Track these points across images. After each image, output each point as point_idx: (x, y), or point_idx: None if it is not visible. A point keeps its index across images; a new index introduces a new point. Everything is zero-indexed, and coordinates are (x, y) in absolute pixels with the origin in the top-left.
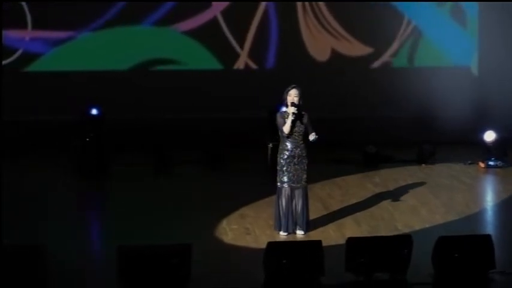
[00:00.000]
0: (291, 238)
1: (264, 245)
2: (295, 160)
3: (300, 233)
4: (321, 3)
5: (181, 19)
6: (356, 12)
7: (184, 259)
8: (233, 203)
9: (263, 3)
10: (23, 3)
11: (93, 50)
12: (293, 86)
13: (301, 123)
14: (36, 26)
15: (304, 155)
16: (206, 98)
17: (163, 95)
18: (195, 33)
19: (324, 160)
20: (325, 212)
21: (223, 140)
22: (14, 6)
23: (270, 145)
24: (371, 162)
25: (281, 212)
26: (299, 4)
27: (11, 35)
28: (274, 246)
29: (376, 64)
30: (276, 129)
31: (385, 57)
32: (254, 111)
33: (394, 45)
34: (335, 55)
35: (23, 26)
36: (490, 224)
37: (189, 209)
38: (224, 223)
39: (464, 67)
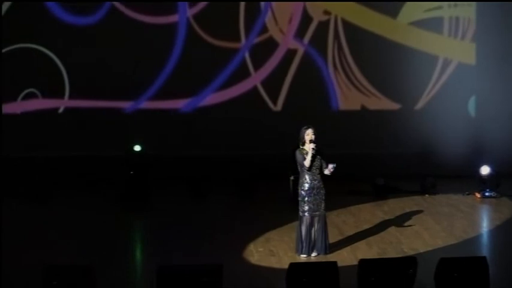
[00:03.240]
0: (310, 259)
1: (286, 266)
2: (314, 191)
3: (313, 255)
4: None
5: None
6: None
7: (216, 278)
8: (259, 228)
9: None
10: None
11: None
12: (308, 126)
13: (317, 158)
14: None
15: (321, 186)
16: (238, 137)
17: (199, 135)
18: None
19: (339, 191)
20: (340, 237)
21: (252, 173)
22: None
23: (292, 178)
24: (380, 193)
25: (302, 237)
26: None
27: None
28: (295, 267)
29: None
30: (296, 164)
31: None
32: (279, 149)
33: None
34: (363, 109)
35: None
36: (485, 247)
37: (220, 233)
38: (251, 246)
39: (462, 109)
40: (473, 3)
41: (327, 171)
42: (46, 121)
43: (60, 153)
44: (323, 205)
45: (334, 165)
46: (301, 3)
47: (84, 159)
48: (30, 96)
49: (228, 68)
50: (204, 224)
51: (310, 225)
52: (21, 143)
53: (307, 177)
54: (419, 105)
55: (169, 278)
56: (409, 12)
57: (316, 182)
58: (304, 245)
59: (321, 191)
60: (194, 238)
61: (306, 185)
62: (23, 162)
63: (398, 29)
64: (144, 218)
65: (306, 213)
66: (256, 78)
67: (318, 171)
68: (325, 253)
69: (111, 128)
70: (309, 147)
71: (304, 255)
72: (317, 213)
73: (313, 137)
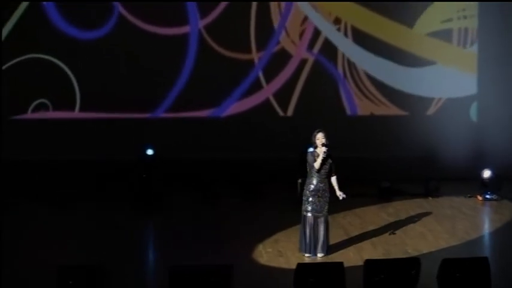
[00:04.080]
0: (316, 260)
1: (294, 266)
2: (319, 193)
3: (320, 255)
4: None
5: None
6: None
7: (226, 278)
8: (268, 229)
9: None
10: None
11: None
12: (319, 130)
13: (327, 162)
14: None
15: (326, 189)
16: (245, 140)
17: (206, 139)
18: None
19: (346, 193)
20: (346, 238)
21: (261, 176)
22: None
23: (300, 181)
24: (385, 196)
25: (306, 236)
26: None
27: None
28: (302, 267)
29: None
30: (304, 167)
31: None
32: (288, 153)
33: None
34: (370, 115)
35: None
36: (486, 248)
37: (230, 235)
38: (260, 247)
39: (465, 114)
40: (476, 14)
41: (338, 195)
42: (61, 126)
43: (76, 157)
44: (326, 207)
45: (344, 196)
46: (313, 12)
47: (99, 163)
48: (41, 106)
49: (242, 80)
50: (214, 226)
51: (313, 225)
52: (37, 147)
53: (314, 179)
54: (430, 111)
55: (181, 278)
56: (427, 22)
57: (322, 185)
58: (307, 244)
59: (326, 194)
60: (205, 239)
61: (312, 186)
62: (40, 166)
63: (408, 36)
64: (156, 220)
65: (309, 213)
66: (268, 90)
67: (325, 175)
68: (326, 254)
69: (125, 133)
70: (320, 150)
71: (308, 254)
72: (320, 214)
73: (323, 140)
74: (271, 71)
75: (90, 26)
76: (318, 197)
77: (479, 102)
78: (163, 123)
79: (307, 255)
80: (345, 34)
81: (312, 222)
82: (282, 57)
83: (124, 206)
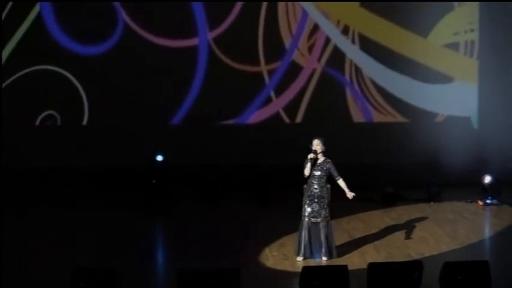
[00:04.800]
0: (321, 263)
1: (299, 269)
2: (316, 199)
3: (324, 259)
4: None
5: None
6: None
7: (233, 280)
8: (274, 233)
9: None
10: None
11: None
12: (315, 137)
13: (322, 168)
14: None
15: (324, 195)
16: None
17: (218, 146)
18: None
19: (350, 199)
20: (350, 242)
21: (267, 182)
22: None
23: (304, 186)
24: (388, 201)
25: (300, 240)
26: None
27: None
28: (308, 270)
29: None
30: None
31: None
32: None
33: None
34: (373, 123)
35: None
36: (487, 252)
37: (238, 238)
38: (267, 250)
39: (466, 121)
40: (477, 24)
41: (349, 195)
42: (71, 134)
43: (88, 163)
44: (324, 213)
45: (353, 194)
46: (322, 19)
47: (111, 168)
48: (48, 118)
49: (252, 92)
50: (222, 230)
51: (310, 229)
52: (52, 154)
53: (311, 184)
54: (432, 119)
55: (190, 280)
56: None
57: (316, 191)
58: (301, 247)
59: (322, 200)
60: (213, 242)
61: (308, 192)
62: (56, 172)
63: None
64: (166, 223)
65: (306, 218)
66: (278, 104)
67: (322, 180)
68: (330, 258)
69: (135, 139)
70: (308, 156)
71: (300, 258)
72: (318, 219)
73: (317, 147)
74: (281, 83)
75: (98, 39)
76: (315, 202)
77: (480, 110)
78: (173, 132)
79: (298, 258)
80: (353, 41)
81: (308, 226)
82: (293, 68)
83: (135, 210)
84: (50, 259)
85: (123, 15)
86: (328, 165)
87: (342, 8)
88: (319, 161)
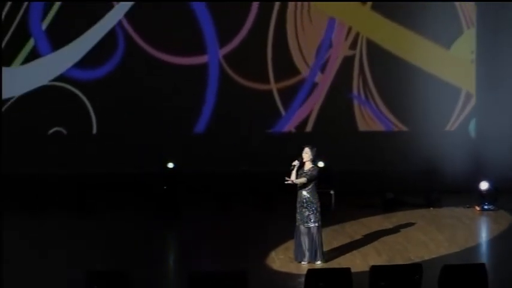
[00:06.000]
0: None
1: (304, 272)
2: (305, 204)
3: (318, 263)
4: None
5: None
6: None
7: (241, 282)
8: (280, 237)
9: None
10: None
11: None
12: (306, 145)
13: (307, 175)
14: None
15: (312, 200)
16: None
17: (224, 153)
18: None
19: (353, 205)
20: (353, 245)
21: (273, 188)
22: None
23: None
24: (389, 206)
25: (295, 244)
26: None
27: None
28: (313, 273)
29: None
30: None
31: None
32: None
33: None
34: (376, 132)
35: None
36: (484, 255)
37: (245, 242)
38: (273, 254)
39: (464, 131)
40: (474, 34)
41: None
42: (83, 142)
43: (101, 170)
44: (313, 218)
45: (289, 181)
46: (326, 34)
47: (123, 175)
48: (56, 134)
49: (261, 109)
50: (230, 234)
51: (301, 234)
52: (66, 161)
53: (300, 191)
54: (449, 127)
55: (200, 283)
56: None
57: (307, 197)
58: (296, 251)
59: (311, 205)
60: (221, 246)
61: (298, 198)
62: (71, 178)
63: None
64: (177, 228)
65: (297, 223)
66: (289, 121)
67: (310, 186)
68: (315, 262)
69: (147, 147)
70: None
71: (299, 261)
72: (309, 224)
73: (304, 155)
74: (292, 99)
75: (102, 62)
76: (304, 208)
77: (477, 119)
78: (185, 141)
79: (302, 262)
80: (360, 51)
81: (300, 231)
82: (305, 84)
83: (146, 215)
84: (64, 262)
85: (131, 33)
86: (309, 172)
87: (352, 13)
88: (305, 168)
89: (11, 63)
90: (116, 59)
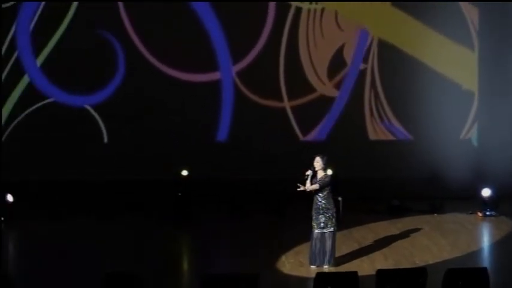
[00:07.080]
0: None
1: (313, 275)
2: (321, 211)
3: (325, 266)
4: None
5: None
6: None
7: (253, 285)
8: (290, 242)
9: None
10: None
11: None
12: (317, 154)
13: (321, 181)
14: None
15: (328, 207)
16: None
17: (239, 161)
18: None
19: (360, 210)
20: (360, 250)
21: (284, 195)
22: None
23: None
24: (395, 212)
25: (311, 249)
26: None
27: None
28: (321, 276)
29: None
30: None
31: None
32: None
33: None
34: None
35: None
36: (486, 259)
37: (257, 246)
38: (283, 258)
39: (467, 140)
40: (476, 43)
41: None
42: (95, 150)
43: (116, 177)
44: (330, 223)
45: (301, 188)
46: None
47: (139, 182)
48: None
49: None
50: (242, 239)
51: (317, 239)
52: (85, 168)
53: (316, 198)
54: (463, 135)
55: (212, 286)
56: None
57: (322, 204)
58: (312, 256)
59: (327, 211)
60: (233, 250)
61: (314, 205)
62: (90, 185)
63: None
64: (190, 233)
65: (314, 229)
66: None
67: (325, 193)
68: (329, 266)
69: (161, 155)
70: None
71: (313, 266)
72: (325, 230)
73: (316, 164)
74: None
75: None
76: (320, 214)
77: (479, 129)
78: (198, 150)
79: (312, 266)
80: (366, 59)
81: (317, 237)
82: (318, 100)
83: (161, 220)
84: (82, 264)
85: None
86: (326, 179)
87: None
88: (318, 176)
89: None
90: (127, 78)
